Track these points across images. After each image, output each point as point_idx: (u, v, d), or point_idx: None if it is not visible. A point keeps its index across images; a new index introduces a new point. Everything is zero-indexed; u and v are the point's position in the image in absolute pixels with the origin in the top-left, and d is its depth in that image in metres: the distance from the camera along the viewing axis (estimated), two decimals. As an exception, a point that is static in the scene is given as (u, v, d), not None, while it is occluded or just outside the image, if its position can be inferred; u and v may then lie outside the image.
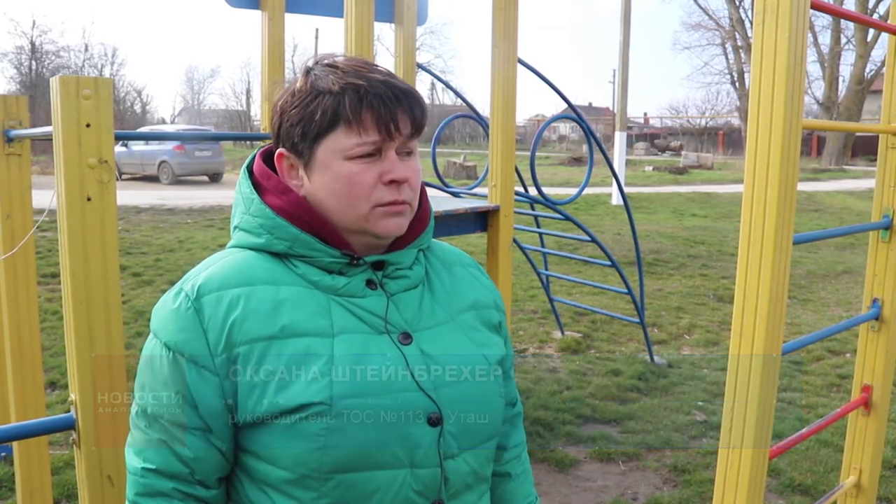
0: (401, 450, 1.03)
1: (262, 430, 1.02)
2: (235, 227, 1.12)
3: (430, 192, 4.42)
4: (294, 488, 1.02)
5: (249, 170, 1.14)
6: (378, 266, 1.10)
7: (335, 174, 1.05)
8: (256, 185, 1.12)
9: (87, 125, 1.59)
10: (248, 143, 29.29)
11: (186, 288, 1.05)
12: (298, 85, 1.07)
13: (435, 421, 1.05)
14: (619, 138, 16.12)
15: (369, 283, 1.09)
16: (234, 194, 1.15)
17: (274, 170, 1.13)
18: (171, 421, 1.03)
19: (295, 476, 1.02)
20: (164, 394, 1.04)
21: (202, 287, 1.04)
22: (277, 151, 1.11)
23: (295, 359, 1.01)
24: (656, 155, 34.64)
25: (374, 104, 1.02)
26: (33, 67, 34.84)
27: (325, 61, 1.08)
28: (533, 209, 5.40)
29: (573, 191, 5.72)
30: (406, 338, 1.08)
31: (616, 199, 14.75)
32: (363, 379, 1.02)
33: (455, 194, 4.57)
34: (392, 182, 1.05)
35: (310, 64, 1.09)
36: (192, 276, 1.07)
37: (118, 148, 18.46)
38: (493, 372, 1.14)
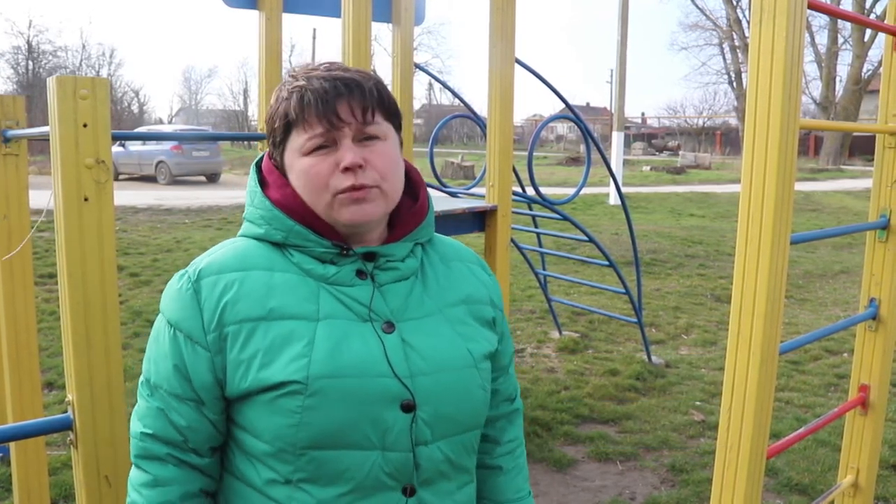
0: (372, 432, 1.07)
1: (247, 405, 1.09)
2: (244, 218, 1.20)
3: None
4: (274, 461, 1.09)
5: (258, 166, 1.21)
6: (370, 258, 1.15)
7: (298, 171, 1.12)
8: (263, 180, 1.19)
9: (85, 125, 1.58)
10: (245, 143, 29.29)
11: (190, 271, 1.13)
12: (272, 98, 1.17)
13: (408, 407, 1.09)
14: (617, 138, 16.13)
15: (360, 273, 1.14)
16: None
17: None
18: (169, 391, 1.11)
19: (274, 449, 1.08)
20: (163, 366, 1.12)
21: (203, 270, 1.12)
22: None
23: (279, 339, 1.08)
24: (654, 155, 34.68)
25: (312, 100, 1.09)
26: (30, 67, 34.81)
27: (292, 71, 1.16)
28: (531, 209, 5.40)
29: (571, 191, 5.72)
30: (389, 326, 1.12)
31: (614, 199, 14.77)
32: (340, 362, 1.07)
33: (453, 194, 4.57)
34: (347, 169, 1.09)
35: (285, 76, 1.18)
36: (197, 260, 1.16)
37: (115, 148, 18.43)
38: (477, 365, 1.17)
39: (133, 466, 1.14)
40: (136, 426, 1.14)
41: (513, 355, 1.33)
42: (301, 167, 1.11)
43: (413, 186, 1.23)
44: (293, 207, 1.13)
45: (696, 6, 39.54)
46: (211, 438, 1.13)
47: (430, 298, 1.18)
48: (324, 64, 1.14)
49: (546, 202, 4.61)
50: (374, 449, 1.08)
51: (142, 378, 1.15)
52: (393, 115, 1.15)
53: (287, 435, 1.06)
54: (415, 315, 1.15)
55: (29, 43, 34.61)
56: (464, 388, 1.15)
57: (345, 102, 1.09)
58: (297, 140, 1.11)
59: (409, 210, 1.20)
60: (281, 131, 1.13)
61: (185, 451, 1.12)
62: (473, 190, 4.98)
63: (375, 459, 1.08)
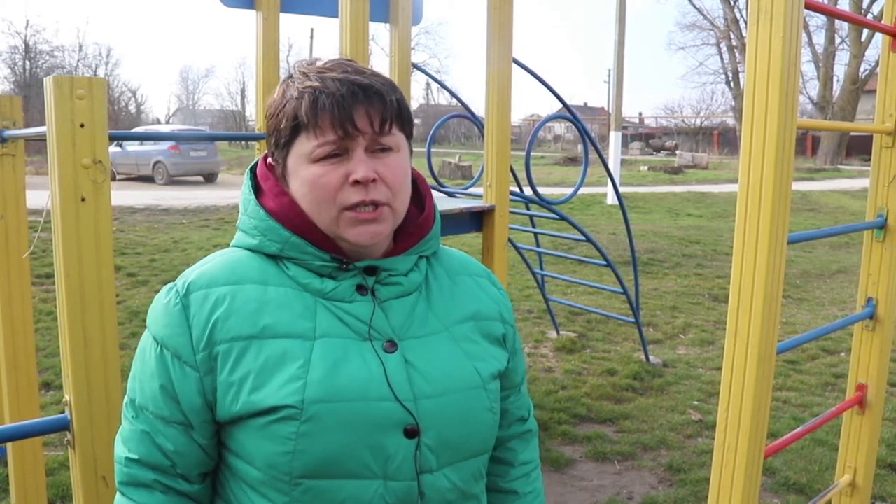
0: (373, 460, 1.01)
1: (239, 429, 1.03)
2: (237, 228, 1.13)
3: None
4: (268, 490, 1.02)
5: (253, 172, 1.14)
6: (371, 271, 1.08)
7: (302, 178, 1.04)
8: (257, 188, 1.12)
9: (82, 125, 1.58)
10: (243, 143, 29.26)
11: (178, 284, 1.06)
12: (276, 94, 1.08)
13: (411, 433, 1.02)
14: (615, 138, 16.14)
15: (360, 288, 1.07)
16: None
17: None
18: (155, 413, 1.05)
19: (267, 478, 1.01)
20: (149, 386, 1.05)
21: (192, 284, 1.05)
22: (269, 160, 1.12)
23: (272, 360, 1.01)
24: (651, 155, 34.71)
25: (327, 104, 1.01)
26: (27, 67, 34.76)
27: (301, 67, 1.07)
28: (528, 209, 5.40)
29: (568, 190, 5.71)
30: (391, 346, 1.05)
31: (611, 199, 14.77)
32: (338, 384, 1.00)
33: (450, 194, 4.57)
34: (357, 182, 1.02)
35: (291, 71, 1.09)
36: (186, 273, 1.08)
37: (113, 148, 18.41)
38: (486, 386, 1.10)
39: (118, 493, 1.07)
40: (120, 451, 1.07)
41: (525, 373, 1.26)
42: (307, 175, 1.03)
43: (419, 195, 1.16)
44: (289, 217, 1.06)
45: (694, 6, 39.78)
46: (200, 464, 1.06)
47: (434, 315, 1.11)
48: (336, 61, 1.06)
49: (543, 202, 4.61)
50: (374, 478, 1.01)
51: (126, 398, 1.08)
52: (407, 124, 1.08)
53: (281, 463, 0.99)
54: (418, 333, 1.08)
55: (26, 43, 34.58)
56: (471, 410, 1.07)
57: (362, 110, 1.01)
58: (306, 145, 1.03)
59: (415, 221, 1.12)
60: (287, 133, 1.04)
61: (173, 476, 1.05)
62: (471, 190, 4.99)
63: (377, 489, 1.01)
